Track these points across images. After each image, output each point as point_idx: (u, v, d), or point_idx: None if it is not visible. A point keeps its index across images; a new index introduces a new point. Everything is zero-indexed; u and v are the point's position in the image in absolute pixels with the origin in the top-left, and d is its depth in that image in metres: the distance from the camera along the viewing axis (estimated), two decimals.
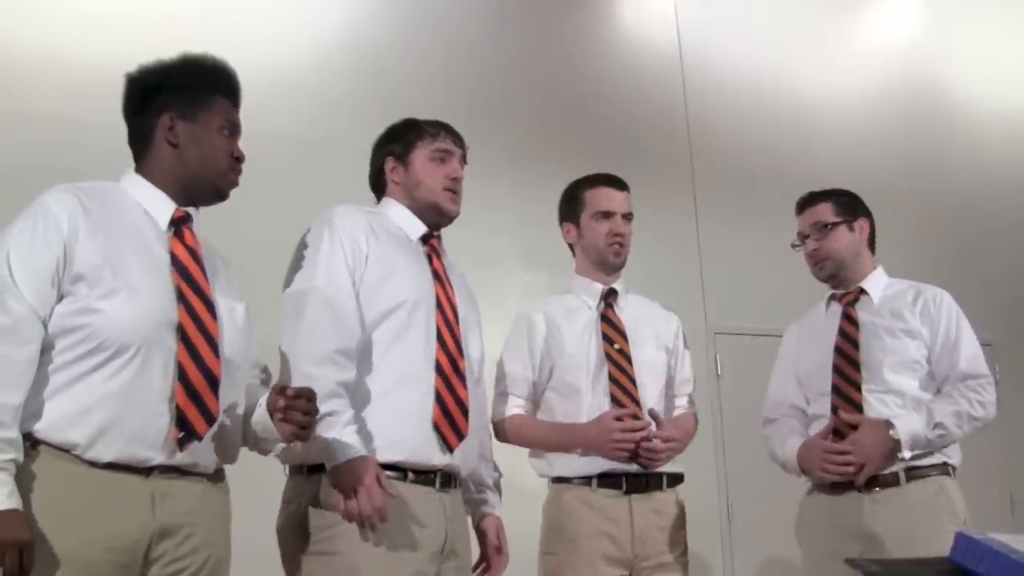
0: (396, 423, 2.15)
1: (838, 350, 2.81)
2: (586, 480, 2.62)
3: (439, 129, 2.42)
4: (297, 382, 2.05)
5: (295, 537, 2.15)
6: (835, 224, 2.89)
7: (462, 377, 2.25)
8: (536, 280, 4.27)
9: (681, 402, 2.84)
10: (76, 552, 1.70)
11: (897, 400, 2.71)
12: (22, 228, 1.79)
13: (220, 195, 2.01)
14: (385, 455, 2.11)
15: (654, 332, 2.80)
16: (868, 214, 2.95)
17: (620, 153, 4.76)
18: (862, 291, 2.88)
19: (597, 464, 2.61)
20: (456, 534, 2.23)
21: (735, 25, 5.66)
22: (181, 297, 1.85)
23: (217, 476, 1.96)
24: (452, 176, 2.38)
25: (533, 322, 2.76)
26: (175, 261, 1.89)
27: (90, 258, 1.78)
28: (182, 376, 1.81)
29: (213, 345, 1.86)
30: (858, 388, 2.74)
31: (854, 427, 2.67)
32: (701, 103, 5.46)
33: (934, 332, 2.77)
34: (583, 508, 2.60)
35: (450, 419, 2.20)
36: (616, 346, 2.70)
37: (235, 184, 2.01)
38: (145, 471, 1.79)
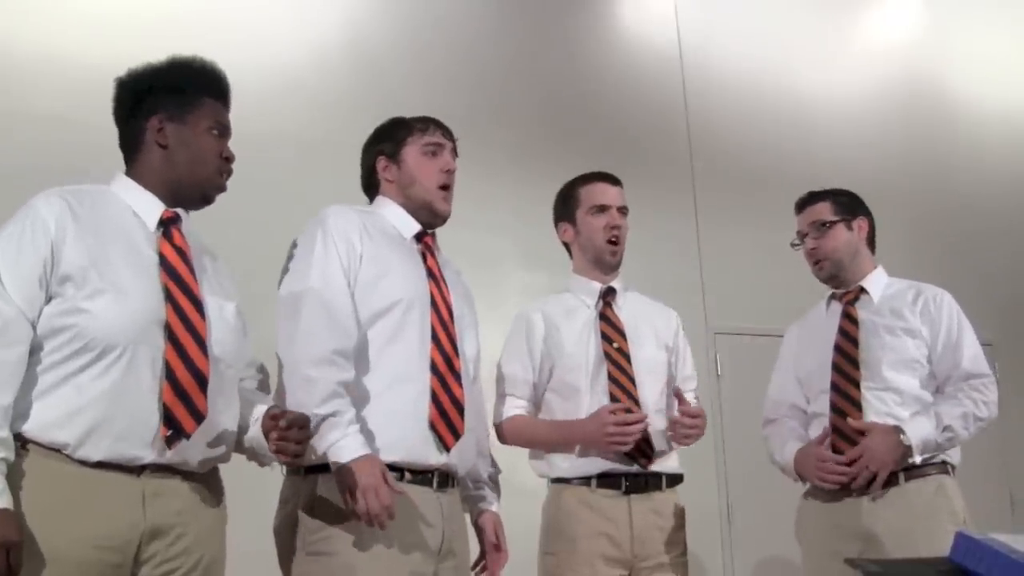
0: (392, 423, 2.15)
1: (838, 348, 2.81)
2: (585, 480, 2.62)
3: (428, 124, 2.42)
4: (298, 384, 2.06)
5: (292, 537, 2.14)
6: (833, 223, 2.89)
7: (457, 376, 2.24)
8: (536, 280, 4.27)
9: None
10: (66, 552, 1.71)
11: (896, 398, 2.71)
12: (11, 231, 1.82)
13: (206, 199, 2.03)
14: (382, 455, 2.09)
15: (653, 331, 2.80)
16: (868, 213, 2.95)
17: (620, 153, 4.76)
18: (862, 290, 2.88)
19: (596, 464, 2.60)
20: (454, 534, 2.22)
21: (735, 25, 5.65)
22: (169, 296, 1.86)
23: (211, 476, 1.96)
24: (445, 169, 2.38)
25: (532, 322, 2.76)
26: (163, 261, 1.90)
27: (77, 259, 1.80)
28: (169, 375, 1.82)
29: (201, 344, 1.87)
30: (857, 386, 2.73)
31: (862, 433, 2.66)
32: (701, 103, 5.46)
33: (935, 332, 2.77)
34: (582, 508, 2.60)
35: (446, 418, 2.19)
36: (615, 345, 2.70)
37: (223, 188, 2.03)
38: (136, 470, 1.79)
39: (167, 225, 1.94)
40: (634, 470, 2.61)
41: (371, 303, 2.20)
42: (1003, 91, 6.37)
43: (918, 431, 2.62)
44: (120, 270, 1.84)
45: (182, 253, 1.93)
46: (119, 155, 2.03)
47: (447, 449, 2.20)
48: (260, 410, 1.99)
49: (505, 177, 4.60)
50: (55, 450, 1.74)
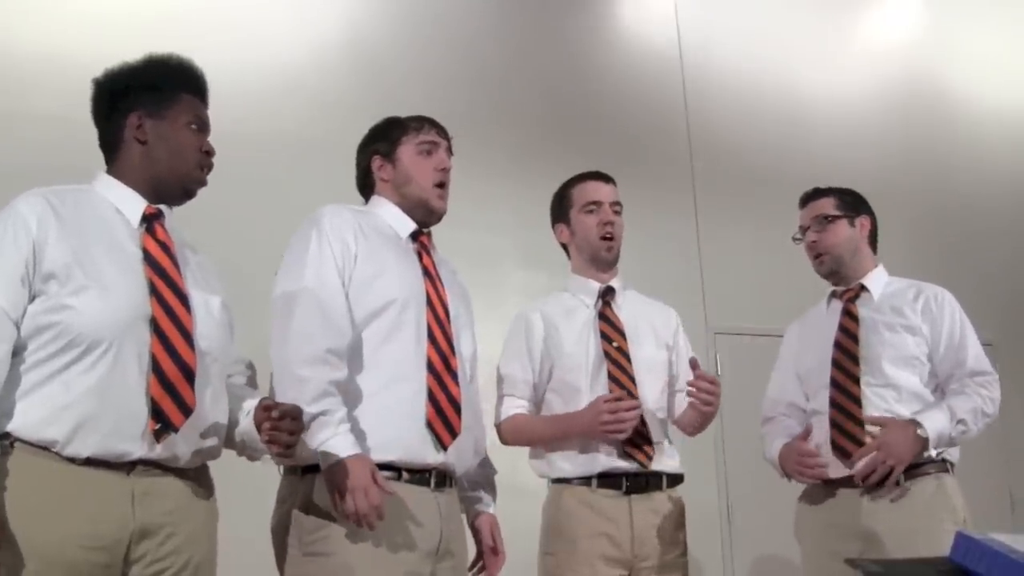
0: (389, 422, 2.14)
1: (838, 345, 2.81)
2: (586, 480, 2.62)
3: (422, 123, 2.42)
4: (289, 384, 2.05)
5: (289, 537, 2.13)
6: (836, 217, 2.89)
7: (454, 374, 2.24)
8: (536, 280, 4.27)
9: None
10: (55, 552, 1.70)
11: (894, 394, 2.71)
12: None
13: (187, 194, 2.03)
14: (378, 455, 2.09)
15: (653, 330, 2.80)
16: (871, 213, 2.96)
17: (620, 153, 4.76)
18: (863, 288, 2.88)
19: (597, 464, 2.60)
20: (452, 534, 2.22)
21: (735, 25, 5.66)
22: (154, 291, 1.86)
23: (201, 474, 1.95)
24: (440, 167, 2.37)
25: (531, 323, 2.76)
26: (147, 256, 1.90)
27: (60, 257, 1.80)
28: (156, 368, 1.82)
29: (187, 337, 1.86)
30: (857, 382, 2.73)
31: (862, 426, 2.65)
32: (701, 103, 5.46)
33: (936, 331, 2.77)
34: (582, 508, 2.60)
35: (443, 417, 2.19)
36: (615, 344, 2.70)
37: (203, 182, 2.03)
38: (126, 468, 1.79)
39: (150, 221, 1.95)
40: (634, 470, 2.61)
41: (366, 302, 2.19)
42: (1003, 91, 6.37)
43: (935, 424, 2.60)
44: (104, 266, 1.84)
45: (166, 248, 1.93)
46: None
47: (444, 448, 2.19)
48: (251, 403, 1.98)
49: (505, 177, 4.60)
50: (43, 448, 1.73)
